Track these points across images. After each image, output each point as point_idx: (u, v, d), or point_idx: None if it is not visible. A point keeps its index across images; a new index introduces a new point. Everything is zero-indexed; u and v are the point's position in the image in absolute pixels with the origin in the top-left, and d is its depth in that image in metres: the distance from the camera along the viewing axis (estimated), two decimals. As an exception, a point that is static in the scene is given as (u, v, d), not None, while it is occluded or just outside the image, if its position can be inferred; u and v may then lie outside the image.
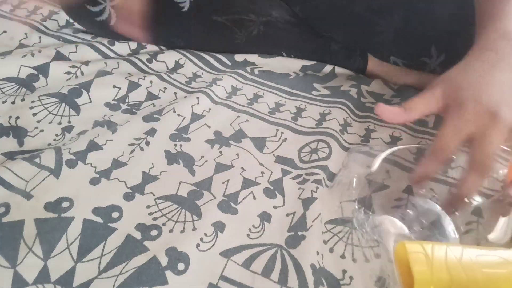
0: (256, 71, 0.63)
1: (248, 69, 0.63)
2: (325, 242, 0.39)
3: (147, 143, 0.48)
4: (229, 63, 0.64)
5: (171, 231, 0.40)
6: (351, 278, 0.37)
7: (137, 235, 0.40)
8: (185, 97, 0.56)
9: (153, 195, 0.44)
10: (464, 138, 0.39)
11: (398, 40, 0.61)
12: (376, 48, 0.64)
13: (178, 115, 0.52)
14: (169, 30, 0.65)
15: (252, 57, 0.65)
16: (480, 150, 0.38)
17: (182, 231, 0.40)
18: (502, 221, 0.42)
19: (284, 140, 0.51)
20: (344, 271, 0.37)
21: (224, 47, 0.65)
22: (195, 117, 0.53)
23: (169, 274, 0.37)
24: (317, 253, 0.39)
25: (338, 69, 0.64)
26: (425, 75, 0.63)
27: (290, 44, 0.65)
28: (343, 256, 0.39)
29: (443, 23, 0.57)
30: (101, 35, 0.66)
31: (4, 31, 0.64)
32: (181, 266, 0.37)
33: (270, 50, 0.65)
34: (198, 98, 0.55)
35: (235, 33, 0.63)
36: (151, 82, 0.58)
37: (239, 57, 0.65)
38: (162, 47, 0.66)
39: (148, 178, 0.45)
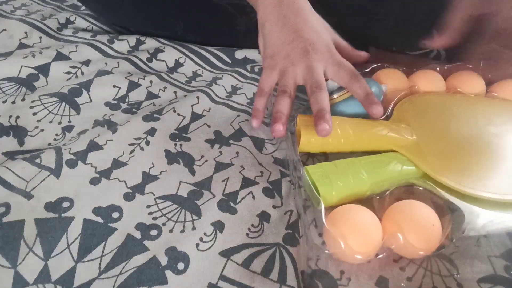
0: (256, 69, 0.63)
1: (248, 67, 0.63)
2: (323, 243, 0.39)
3: (147, 143, 0.49)
4: (229, 61, 0.64)
5: (171, 231, 0.40)
6: (348, 279, 0.37)
7: (137, 234, 0.40)
8: (185, 96, 0.56)
9: (153, 194, 0.44)
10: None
11: (399, 26, 0.61)
12: (378, 38, 0.64)
13: (178, 114, 0.53)
14: (168, 11, 0.65)
15: (253, 54, 0.64)
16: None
17: (182, 231, 0.40)
18: None
19: (281, 143, 0.51)
20: (341, 272, 0.38)
21: (225, 33, 0.65)
22: (195, 117, 0.53)
23: (169, 273, 0.37)
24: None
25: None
26: (428, 62, 0.63)
27: None
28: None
29: (441, 4, 0.57)
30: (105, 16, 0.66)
31: (4, 29, 0.64)
32: (180, 266, 0.37)
33: None
34: (198, 97, 0.55)
35: (236, 18, 0.63)
36: (151, 82, 0.58)
37: (239, 54, 0.65)
38: (162, 40, 0.65)
39: (148, 177, 0.45)
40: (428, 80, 0.56)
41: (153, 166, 0.46)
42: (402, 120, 0.50)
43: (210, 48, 0.65)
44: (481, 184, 0.42)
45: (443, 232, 0.38)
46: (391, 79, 0.55)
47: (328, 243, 0.38)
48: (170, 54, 0.63)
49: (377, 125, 0.47)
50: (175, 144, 0.49)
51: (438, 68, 0.59)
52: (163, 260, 0.38)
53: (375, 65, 0.58)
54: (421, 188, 0.43)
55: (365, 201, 0.42)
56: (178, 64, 0.62)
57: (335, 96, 0.49)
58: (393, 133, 0.47)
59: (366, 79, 0.49)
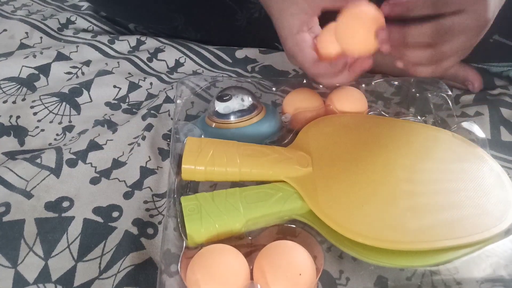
0: (256, 69, 0.63)
1: (249, 67, 0.63)
2: (322, 242, 0.39)
3: (143, 138, 0.49)
4: (230, 61, 0.64)
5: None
6: (347, 279, 0.37)
7: (134, 230, 0.40)
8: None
9: (151, 190, 0.44)
10: None
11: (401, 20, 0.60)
12: None
13: (172, 119, 0.52)
14: (169, 5, 0.64)
15: (253, 53, 0.64)
16: None
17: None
18: None
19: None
20: (341, 271, 0.38)
21: (225, 28, 0.65)
22: (188, 119, 0.52)
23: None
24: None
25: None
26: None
27: None
28: (340, 256, 0.39)
29: None
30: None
31: (5, 30, 0.64)
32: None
33: (270, 40, 0.64)
34: (192, 102, 0.54)
35: (236, 13, 0.63)
36: (151, 84, 0.58)
37: (240, 54, 0.65)
38: (162, 40, 0.65)
39: (146, 172, 0.45)
40: (348, 99, 0.50)
41: (150, 160, 0.47)
42: (303, 147, 0.44)
43: (210, 48, 0.65)
44: (372, 233, 0.37)
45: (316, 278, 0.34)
46: (304, 100, 0.50)
47: None
48: (171, 53, 0.63)
49: (270, 153, 0.42)
50: (168, 143, 0.49)
51: (363, 85, 0.54)
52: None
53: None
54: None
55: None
56: (178, 64, 0.62)
57: (232, 119, 0.45)
58: (284, 162, 0.41)
59: (269, 108, 0.48)
